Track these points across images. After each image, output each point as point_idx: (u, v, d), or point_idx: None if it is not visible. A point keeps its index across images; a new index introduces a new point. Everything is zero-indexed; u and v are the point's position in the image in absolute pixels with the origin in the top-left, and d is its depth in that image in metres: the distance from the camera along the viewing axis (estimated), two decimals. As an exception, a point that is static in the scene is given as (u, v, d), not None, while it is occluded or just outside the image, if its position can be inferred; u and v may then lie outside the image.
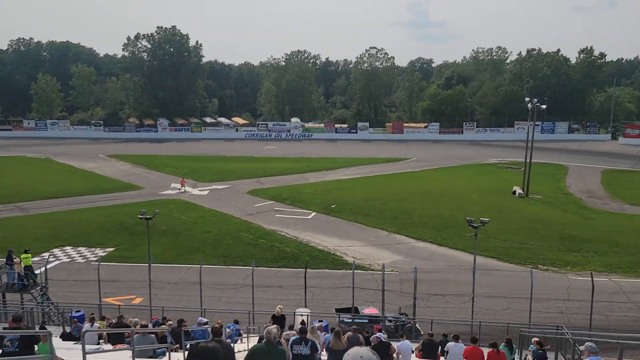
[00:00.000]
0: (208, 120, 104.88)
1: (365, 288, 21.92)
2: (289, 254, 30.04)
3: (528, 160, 45.03)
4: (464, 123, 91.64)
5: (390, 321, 19.85)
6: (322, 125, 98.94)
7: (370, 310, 20.64)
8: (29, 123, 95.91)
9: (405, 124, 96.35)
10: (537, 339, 13.33)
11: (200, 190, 47.67)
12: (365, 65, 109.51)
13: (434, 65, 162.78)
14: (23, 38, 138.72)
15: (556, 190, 46.99)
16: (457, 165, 61.53)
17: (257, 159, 67.99)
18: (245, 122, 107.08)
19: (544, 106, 47.57)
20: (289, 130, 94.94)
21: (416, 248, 31.56)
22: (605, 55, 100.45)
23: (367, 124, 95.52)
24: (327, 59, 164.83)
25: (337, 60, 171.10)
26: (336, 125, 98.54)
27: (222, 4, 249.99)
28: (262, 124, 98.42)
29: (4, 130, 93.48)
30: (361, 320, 19.23)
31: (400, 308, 21.43)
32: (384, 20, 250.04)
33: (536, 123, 55.92)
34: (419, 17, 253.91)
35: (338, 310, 20.43)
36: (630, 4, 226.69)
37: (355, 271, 21.57)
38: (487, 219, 22.52)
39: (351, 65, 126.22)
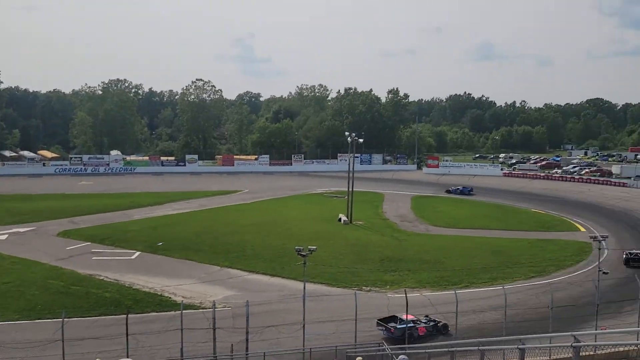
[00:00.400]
0: (7, 154, 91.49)
1: (195, 328, 20.76)
2: (108, 300, 27.16)
3: (350, 189, 48.59)
4: (293, 155, 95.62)
5: (425, 323, 23.06)
6: (147, 158, 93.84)
7: (408, 316, 22.60)
8: None
9: (235, 156, 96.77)
10: (360, 357, 14.02)
11: (-3, 235, 40.77)
12: (192, 97, 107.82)
13: (262, 99, 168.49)
14: None
15: (375, 216, 51.37)
16: (287, 196, 63.48)
17: (70, 196, 60.98)
18: (54, 155, 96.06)
19: (361, 140, 52.15)
20: (108, 164, 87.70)
21: (249, 281, 31.27)
22: (409, 95, 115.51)
23: (196, 156, 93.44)
24: (150, 89, 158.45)
25: (162, 91, 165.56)
26: (162, 158, 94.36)
27: (25, 23, 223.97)
28: (75, 158, 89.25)
29: None
30: (407, 325, 21.93)
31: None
32: (210, 53, 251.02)
33: (355, 155, 60.89)
34: (245, 52, 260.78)
35: (381, 320, 22.78)
36: (426, 53, 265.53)
37: (184, 311, 20.38)
38: (315, 247, 23.39)
39: (177, 97, 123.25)
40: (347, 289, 28.99)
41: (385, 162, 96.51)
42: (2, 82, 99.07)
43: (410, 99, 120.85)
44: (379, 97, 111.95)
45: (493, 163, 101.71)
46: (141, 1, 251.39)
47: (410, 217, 50.88)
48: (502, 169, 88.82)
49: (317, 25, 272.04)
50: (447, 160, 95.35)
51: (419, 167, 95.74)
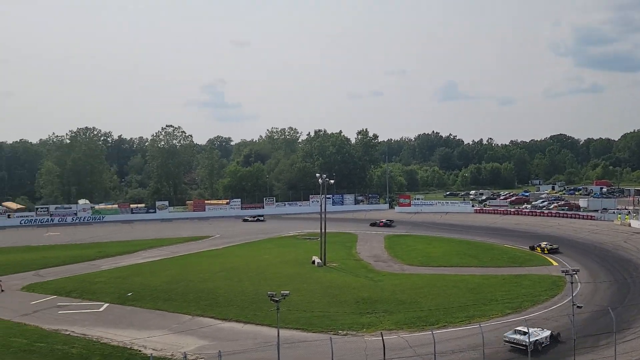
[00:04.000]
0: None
1: (166, 383, 19.87)
2: (75, 356, 25.84)
3: (323, 230, 48.38)
4: (264, 198, 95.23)
5: None
6: (116, 206, 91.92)
7: None
8: None
9: (206, 201, 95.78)
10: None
11: (-46, 292, 38.71)
12: (162, 143, 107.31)
13: (232, 143, 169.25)
14: None
15: (349, 257, 51.05)
16: (259, 240, 62.73)
17: (36, 248, 58.91)
18: (20, 206, 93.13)
19: (332, 181, 52.47)
20: (75, 214, 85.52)
21: (222, 329, 30.32)
22: (378, 136, 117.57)
23: (166, 202, 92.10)
24: (120, 136, 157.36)
25: (131, 138, 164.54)
26: (132, 205, 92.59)
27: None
28: (42, 208, 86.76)
29: None
30: None
31: None
32: (180, 100, 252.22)
33: (327, 196, 61.11)
34: (215, 98, 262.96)
35: None
36: (393, 94, 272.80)
37: (154, 365, 19.49)
38: (288, 292, 22.95)
39: (147, 143, 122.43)
40: (323, 333, 28.34)
41: (357, 202, 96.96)
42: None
43: (380, 139, 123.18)
44: (349, 138, 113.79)
45: (464, 200, 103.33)
46: (109, 48, 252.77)
47: (384, 257, 50.75)
48: (473, 206, 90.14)
49: (286, 69, 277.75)
50: (418, 199, 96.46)
51: (391, 206, 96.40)
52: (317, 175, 52.91)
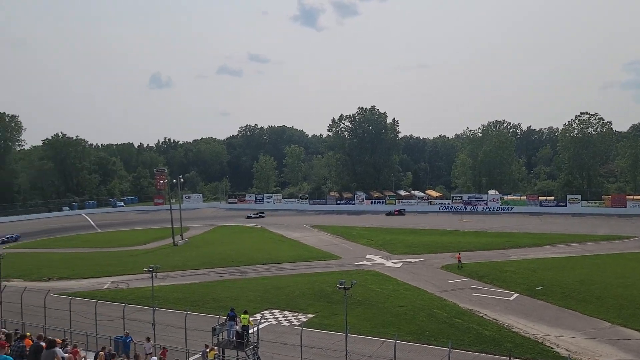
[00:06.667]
0: (402, 193, 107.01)
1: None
2: (488, 338, 27.67)
3: None
4: None
5: None
6: (524, 197, 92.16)
7: None
8: (250, 196, 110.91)
9: (628, 197, 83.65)
10: None
11: (393, 263, 47.93)
12: (575, 132, 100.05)
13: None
14: (249, 124, 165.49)
15: None
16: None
17: (451, 233, 65.92)
18: (438, 194, 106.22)
19: None
20: (485, 203, 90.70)
21: (650, 347, 26.09)
22: None
23: (578, 196, 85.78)
24: (529, 127, 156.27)
25: (540, 129, 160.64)
26: (540, 197, 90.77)
27: (416, 80, 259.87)
28: (456, 197, 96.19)
29: (232, 203, 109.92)
30: None
31: None
32: (594, 83, 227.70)
33: None
34: (639, 76, 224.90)
35: None
36: None
37: (569, 367, 18.73)
38: None
39: (557, 133, 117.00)
40: None
41: None
42: (400, 132, 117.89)
43: None
44: None
45: None
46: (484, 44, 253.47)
47: None
48: None
49: None
50: None
51: None
52: None
